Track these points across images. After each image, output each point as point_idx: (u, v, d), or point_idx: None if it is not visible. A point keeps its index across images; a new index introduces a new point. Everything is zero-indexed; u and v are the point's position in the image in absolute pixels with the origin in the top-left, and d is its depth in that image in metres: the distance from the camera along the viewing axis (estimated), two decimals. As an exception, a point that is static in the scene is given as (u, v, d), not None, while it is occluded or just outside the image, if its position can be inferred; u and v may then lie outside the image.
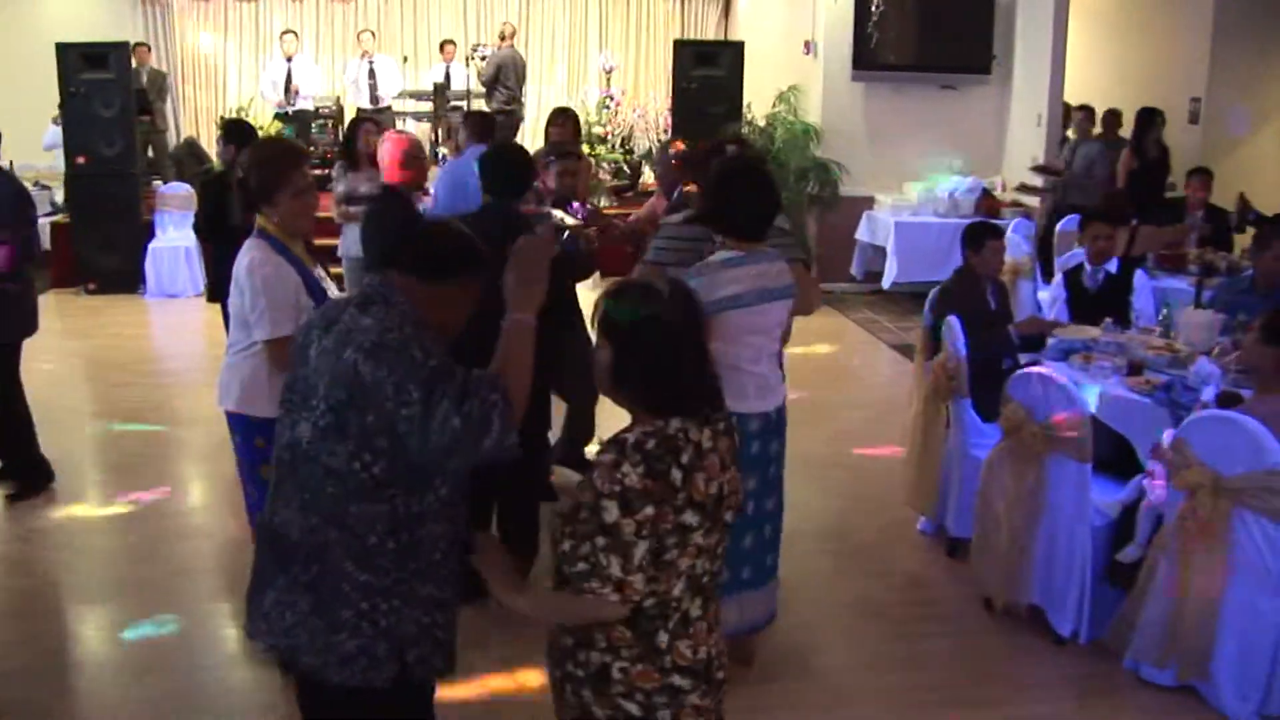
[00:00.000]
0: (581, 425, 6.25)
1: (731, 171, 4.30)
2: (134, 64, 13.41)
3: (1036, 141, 11.18)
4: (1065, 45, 10.98)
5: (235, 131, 7.37)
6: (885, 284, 11.16)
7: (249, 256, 3.95)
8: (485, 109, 12.60)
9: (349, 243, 7.27)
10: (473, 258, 2.78)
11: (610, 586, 2.29)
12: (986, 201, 11.10)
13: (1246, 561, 4.09)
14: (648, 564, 2.30)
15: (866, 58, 11.41)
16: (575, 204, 6.17)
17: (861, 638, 4.88)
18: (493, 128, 7.32)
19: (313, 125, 13.59)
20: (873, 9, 11.23)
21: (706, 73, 11.76)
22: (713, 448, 2.39)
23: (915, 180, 11.47)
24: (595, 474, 2.33)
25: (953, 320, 5.49)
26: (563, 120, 7.49)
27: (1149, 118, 10.13)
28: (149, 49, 14.21)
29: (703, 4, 16.12)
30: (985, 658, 4.72)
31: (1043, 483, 4.68)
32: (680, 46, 12.18)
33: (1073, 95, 11.41)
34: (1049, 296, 7.02)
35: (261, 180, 3.98)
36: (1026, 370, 4.88)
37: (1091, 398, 5.06)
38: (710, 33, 15.88)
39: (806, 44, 12.02)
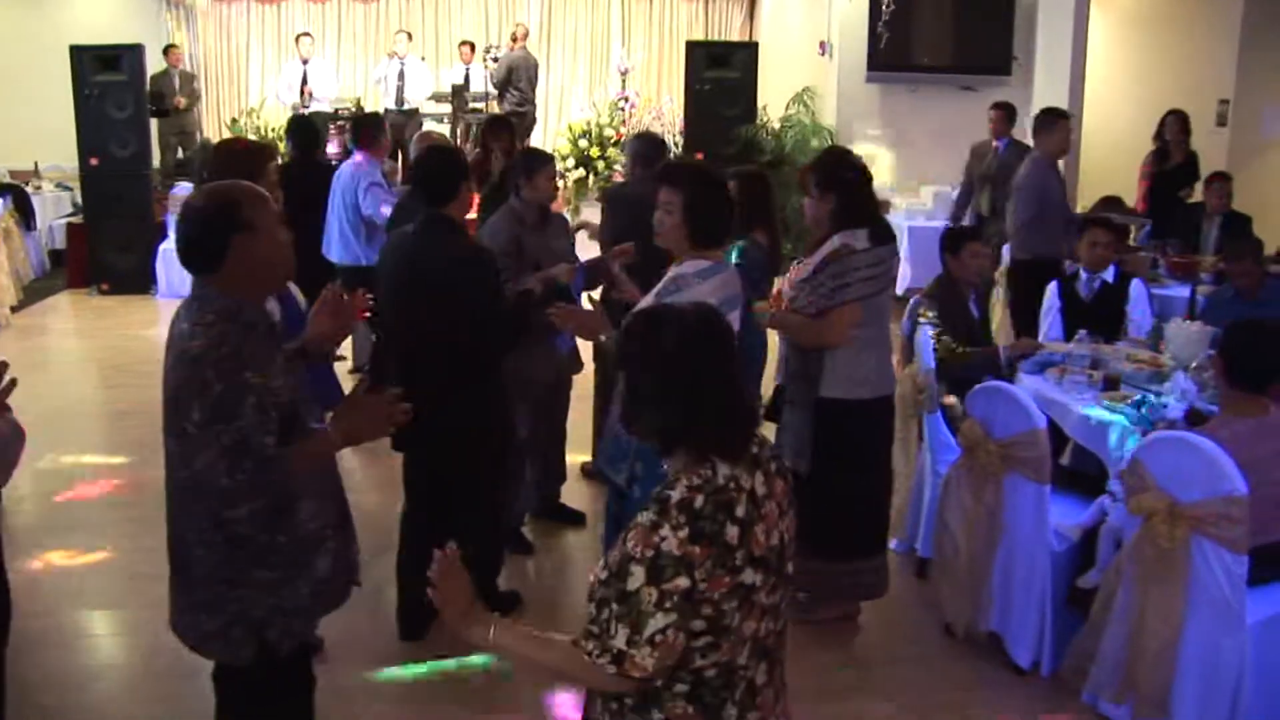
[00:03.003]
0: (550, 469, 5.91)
1: (697, 179, 4.11)
2: (165, 66, 13.52)
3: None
4: (1086, 45, 10.64)
5: (297, 128, 7.91)
6: (899, 289, 10.86)
7: None
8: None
9: None
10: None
11: (608, 657, 2.07)
12: (1004, 206, 10.81)
13: (1206, 594, 3.81)
14: (675, 638, 2.05)
15: (882, 58, 11.18)
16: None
17: (814, 662, 4.65)
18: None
19: (329, 127, 13.55)
20: (884, 8, 10.97)
21: (720, 74, 11.59)
22: (768, 493, 2.18)
23: (931, 183, 11.20)
24: (630, 534, 2.11)
25: (924, 331, 5.27)
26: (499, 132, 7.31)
27: (1168, 120, 9.80)
28: (181, 51, 14.26)
29: (727, 5, 15.90)
30: (941, 688, 4.48)
31: (1000, 503, 4.44)
32: (693, 47, 12.00)
33: (1094, 97, 11.07)
34: (1044, 305, 6.76)
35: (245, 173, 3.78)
36: (985, 383, 4.64)
37: (1075, 414, 4.84)
38: (734, 34, 15.67)
39: (821, 45, 11.80)
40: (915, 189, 11.31)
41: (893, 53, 11.19)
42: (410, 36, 14.41)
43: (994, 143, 9.66)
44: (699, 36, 15.08)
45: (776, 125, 11.61)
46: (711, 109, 11.52)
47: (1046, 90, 11.10)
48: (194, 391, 2.58)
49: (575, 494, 6.13)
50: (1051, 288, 6.50)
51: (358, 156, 7.43)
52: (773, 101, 11.91)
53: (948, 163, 11.24)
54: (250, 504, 2.64)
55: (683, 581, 2.04)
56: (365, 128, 7.68)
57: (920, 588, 5.21)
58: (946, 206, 10.90)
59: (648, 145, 6.43)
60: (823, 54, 11.78)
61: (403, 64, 13.86)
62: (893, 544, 5.55)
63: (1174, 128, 9.67)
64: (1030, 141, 8.30)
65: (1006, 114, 9.61)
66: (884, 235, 4.51)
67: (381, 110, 13.53)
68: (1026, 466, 4.32)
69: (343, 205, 7.37)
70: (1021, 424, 4.32)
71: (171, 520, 2.85)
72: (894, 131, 11.45)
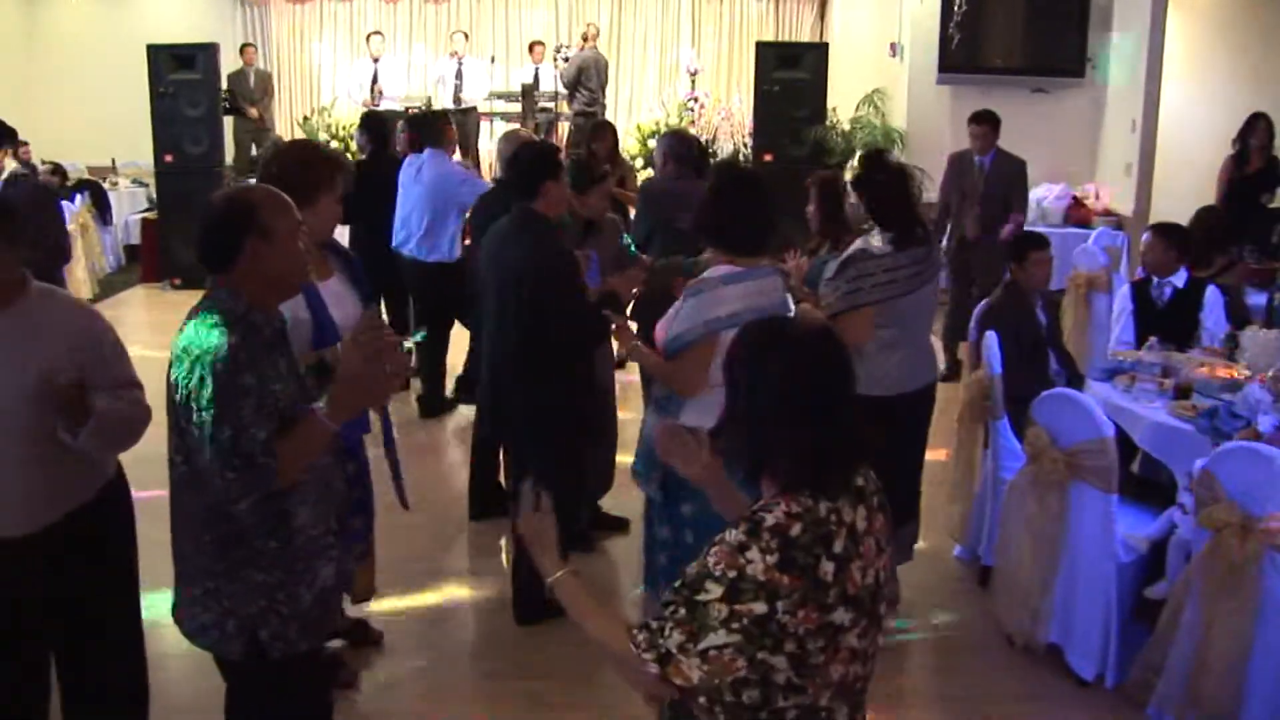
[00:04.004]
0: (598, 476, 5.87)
1: (729, 182, 4.06)
2: (241, 64, 13.71)
3: (1130, 148, 10.65)
4: (1163, 47, 10.45)
5: (372, 123, 8.19)
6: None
7: None
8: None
9: None
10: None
11: (654, 654, 1.99)
12: (1075, 210, 10.63)
13: (1276, 610, 3.70)
14: (732, 660, 1.96)
15: (953, 60, 11.03)
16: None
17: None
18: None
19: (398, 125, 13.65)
20: (955, 9, 10.83)
21: (790, 75, 11.50)
22: (868, 529, 2.06)
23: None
24: (713, 550, 2.00)
25: (990, 336, 5.18)
26: (603, 134, 7.38)
27: (1254, 123, 9.55)
28: (255, 49, 14.46)
29: (797, 6, 15.79)
30: (1001, 699, 4.40)
31: (1065, 512, 4.35)
32: (762, 48, 11.93)
33: (1170, 100, 10.85)
34: (1115, 310, 6.63)
35: (300, 182, 3.78)
36: (1052, 391, 4.56)
37: (1145, 423, 4.73)
38: (805, 34, 15.55)
39: (892, 46, 11.68)
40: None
41: (964, 54, 11.03)
42: (467, 36, 14.50)
43: (976, 157, 8.65)
44: (769, 37, 14.99)
45: (846, 127, 11.50)
46: (781, 110, 11.45)
47: (1121, 93, 10.93)
48: (193, 390, 2.61)
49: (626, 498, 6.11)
50: (1124, 291, 6.37)
51: (428, 153, 7.47)
52: (842, 103, 11.80)
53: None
54: (249, 495, 2.65)
55: (759, 607, 1.94)
56: (434, 125, 7.73)
57: (981, 596, 5.12)
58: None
59: (678, 142, 6.55)
60: (893, 55, 11.66)
61: (460, 63, 13.93)
62: (955, 550, 5.50)
63: (1262, 133, 9.41)
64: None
65: (991, 126, 8.57)
66: (911, 239, 4.50)
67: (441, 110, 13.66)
68: (1093, 475, 4.23)
69: (430, 200, 7.38)
70: (1088, 432, 4.23)
71: (171, 514, 2.89)
72: (963, 133, 11.28)
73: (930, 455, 6.21)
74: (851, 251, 4.56)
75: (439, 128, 7.63)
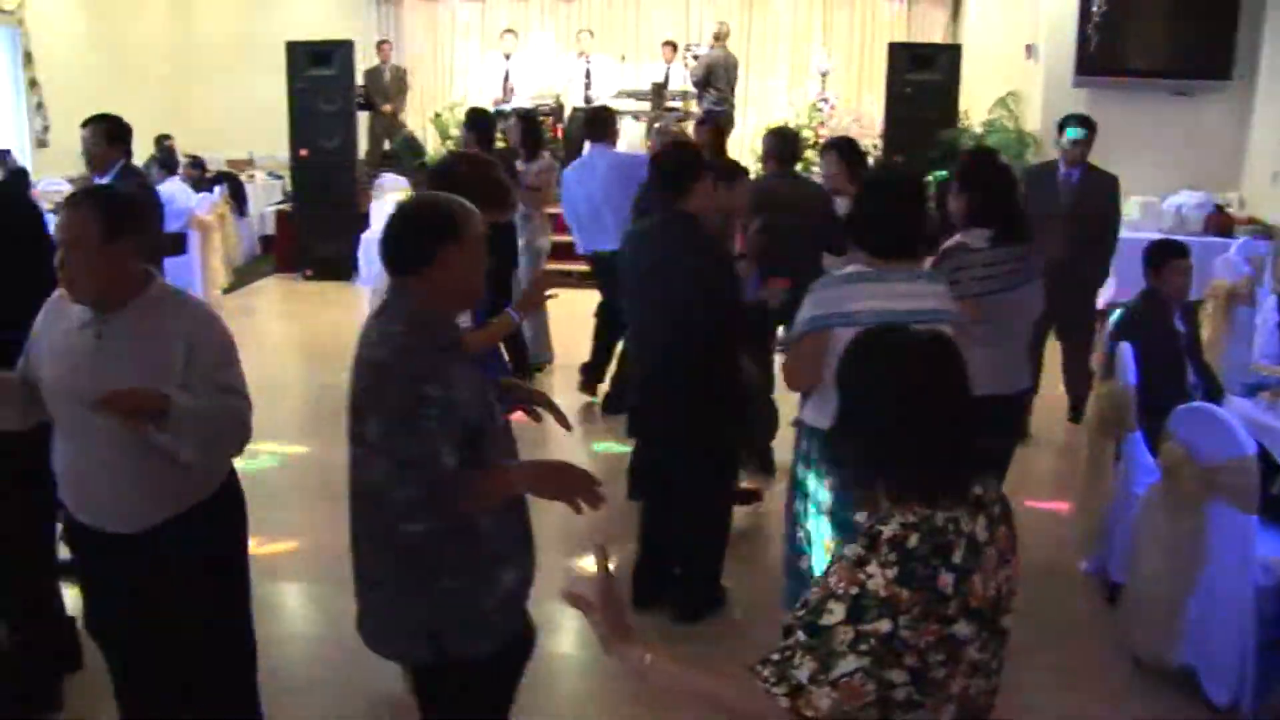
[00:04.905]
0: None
1: (876, 183, 4.03)
2: (376, 61, 13.99)
3: (1278, 155, 10.26)
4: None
5: (477, 120, 8.23)
6: (1100, 303, 10.44)
7: None
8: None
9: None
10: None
11: (785, 687, 1.91)
12: (1217, 218, 10.26)
13: None
14: (863, 684, 1.90)
15: (1091, 62, 10.74)
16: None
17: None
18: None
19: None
20: (1094, 10, 10.53)
21: (922, 77, 11.37)
22: (989, 539, 2.00)
23: (1140, 194, 10.70)
24: (833, 569, 1.98)
25: (1125, 347, 5.02)
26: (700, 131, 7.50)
27: None
28: (391, 46, 14.73)
29: (930, 6, 15.55)
30: (1128, 722, 4.27)
31: (1201, 531, 4.19)
32: (895, 49, 11.79)
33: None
34: (1260, 320, 6.39)
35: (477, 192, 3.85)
36: (1191, 404, 4.39)
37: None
38: (937, 36, 15.31)
39: (1028, 48, 11.42)
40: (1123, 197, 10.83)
41: (1103, 56, 10.73)
42: (593, 34, 14.55)
43: (1063, 171, 7.42)
44: (900, 38, 14.79)
45: (978, 130, 11.29)
46: (912, 112, 11.31)
47: (1272, 98, 10.52)
48: (374, 401, 2.60)
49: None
50: (1269, 303, 6.15)
51: (590, 148, 7.71)
52: (975, 105, 11.60)
53: (1159, 172, 10.76)
54: (426, 519, 2.62)
55: (884, 625, 1.89)
56: (600, 120, 7.97)
57: (1109, 614, 4.96)
58: (1155, 218, 10.42)
59: (780, 141, 6.60)
60: (1028, 57, 11.40)
61: (588, 63, 14.00)
62: (1083, 565, 5.35)
63: None
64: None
65: (1092, 134, 7.46)
66: (1011, 236, 4.56)
67: (570, 108, 13.76)
68: (1232, 494, 4.06)
69: (607, 194, 7.46)
70: (1229, 449, 4.07)
71: (351, 522, 2.89)
72: (1101, 138, 10.96)
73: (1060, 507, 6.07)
74: (949, 245, 4.63)
75: (605, 121, 7.86)
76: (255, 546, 3.58)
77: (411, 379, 2.57)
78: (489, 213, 3.16)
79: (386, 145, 14.01)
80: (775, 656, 1.95)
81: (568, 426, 3.42)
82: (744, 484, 5.78)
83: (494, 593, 2.83)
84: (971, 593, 1.94)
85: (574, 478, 2.73)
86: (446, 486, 2.59)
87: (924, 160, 10.92)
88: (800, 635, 1.93)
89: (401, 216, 2.73)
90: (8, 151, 11.44)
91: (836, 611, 1.91)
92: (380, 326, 2.69)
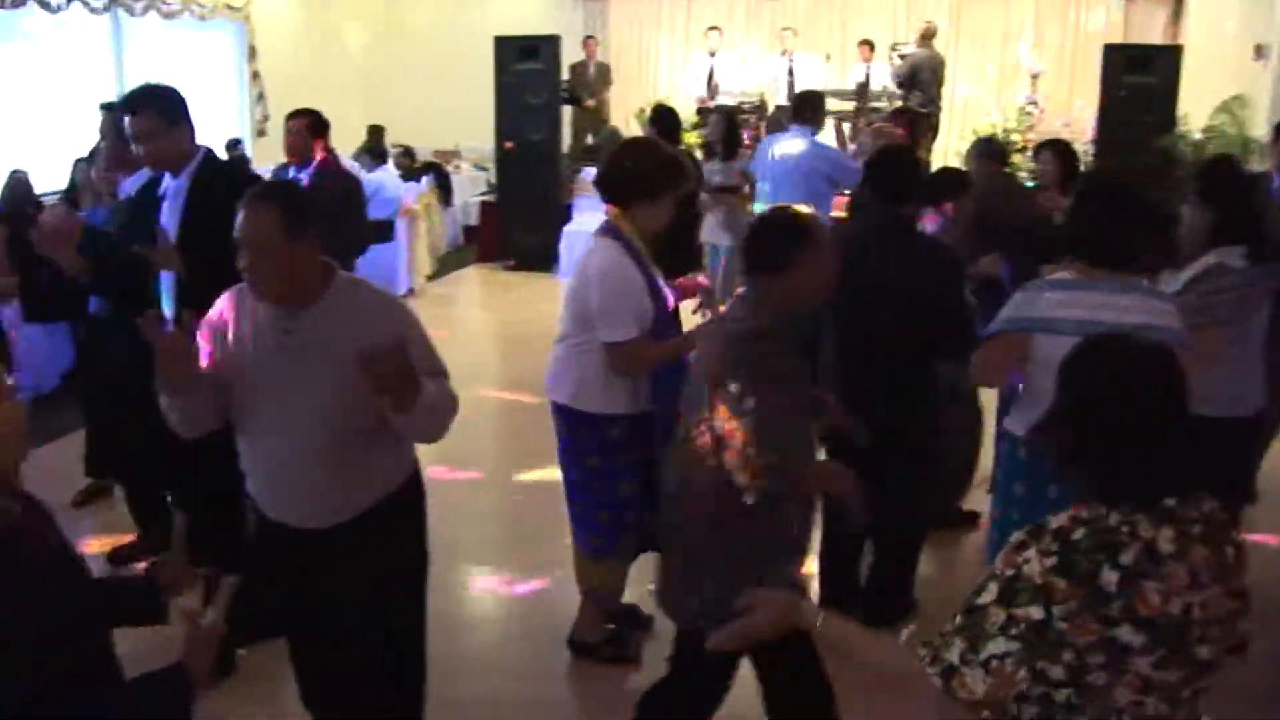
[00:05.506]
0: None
1: (1091, 190, 3.89)
2: (582, 56, 14.22)
3: None
4: None
5: (663, 117, 8.36)
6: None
7: (603, 256, 3.97)
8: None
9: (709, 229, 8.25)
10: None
11: (938, 668, 1.96)
12: None
13: None
14: (1014, 670, 1.91)
15: (1329, 65, 10.14)
16: None
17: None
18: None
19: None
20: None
21: (1139, 80, 10.96)
22: (1176, 553, 1.93)
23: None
24: (1000, 553, 2.02)
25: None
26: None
27: None
28: (597, 42, 14.95)
29: (1149, 5, 14.91)
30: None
31: None
32: (1111, 51, 11.37)
33: None
34: None
35: (654, 177, 3.97)
36: None
37: None
38: (1156, 37, 14.65)
39: (1257, 48, 10.84)
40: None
41: (1342, 59, 10.13)
42: (795, 32, 14.45)
43: (1276, 179, 6.33)
44: (1116, 39, 14.21)
45: (1197, 136, 10.79)
46: (1127, 116, 10.89)
47: None
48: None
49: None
50: None
51: (793, 128, 7.93)
52: (1195, 110, 11.07)
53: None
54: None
55: (1035, 612, 1.90)
56: (811, 102, 8.20)
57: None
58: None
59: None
60: (1257, 58, 10.81)
61: (791, 61, 13.92)
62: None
63: None
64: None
65: None
66: (1264, 254, 4.18)
67: (771, 107, 13.69)
68: None
69: (796, 181, 7.54)
70: None
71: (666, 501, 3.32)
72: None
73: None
74: (1208, 265, 4.20)
75: (817, 104, 8.15)
76: (445, 519, 3.62)
77: (772, 385, 2.97)
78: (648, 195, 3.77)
79: (590, 140, 14.21)
80: (936, 640, 2.00)
81: None
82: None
83: (780, 580, 3.08)
84: (1142, 600, 1.90)
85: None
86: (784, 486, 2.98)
87: (1138, 167, 10.50)
88: (958, 618, 1.97)
89: (773, 221, 3.10)
90: (239, 140, 12.08)
91: (990, 591, 1.95)
92: (737, 316, 3.09)
